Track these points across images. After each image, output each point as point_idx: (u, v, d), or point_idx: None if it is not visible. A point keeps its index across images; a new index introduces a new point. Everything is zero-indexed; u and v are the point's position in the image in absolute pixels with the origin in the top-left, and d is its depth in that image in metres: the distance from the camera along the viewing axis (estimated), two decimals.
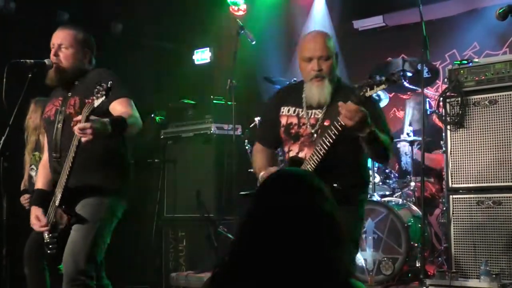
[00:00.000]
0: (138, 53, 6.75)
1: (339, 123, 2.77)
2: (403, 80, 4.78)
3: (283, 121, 3.11)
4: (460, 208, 4.15)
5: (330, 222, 1.50)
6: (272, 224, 1.47)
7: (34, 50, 3.57)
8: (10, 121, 3.21)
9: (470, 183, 4.13)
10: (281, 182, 1.56)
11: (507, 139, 4.00)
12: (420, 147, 5.06)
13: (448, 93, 4.26)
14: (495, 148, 4.03)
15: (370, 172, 5.03)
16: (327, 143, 2.83)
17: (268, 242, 1.45)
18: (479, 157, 4.09)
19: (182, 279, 5.32)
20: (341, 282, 1.47)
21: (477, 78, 4.13)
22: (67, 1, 6.06)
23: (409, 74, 4.94)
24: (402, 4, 6.45)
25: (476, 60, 4.31)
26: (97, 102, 2.84)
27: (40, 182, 3.35)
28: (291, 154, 3.07)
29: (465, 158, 4.15)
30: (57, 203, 3.09)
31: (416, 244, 4.54)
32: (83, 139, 2.82)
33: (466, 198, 4.14)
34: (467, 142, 4.14)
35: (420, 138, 5.00)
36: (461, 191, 4.17)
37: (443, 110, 4.24)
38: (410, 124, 5.69)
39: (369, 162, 4.87)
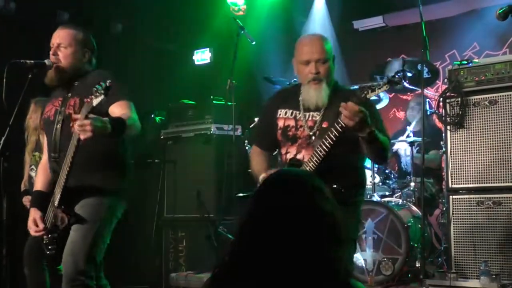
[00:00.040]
0: (138, 53, 6.76)
1: (340, 124, 2.79)
2: (403, 81, 4.80)
3: (280, 123, 3.14)
4: (460, 209, 4.15)
5: (331, 222, 1.50)
6: (272, 224, 1.47)
7: (34, 50, 3.57)
8: (10, 121, 3.21)
9: (470, 183, 4.13)
10: (282, 182, 1.56)
11: (507, 140, 4.00)
12: (420, 147, 5.07)
13: (448, 94, 4.26)
14: (495, 149, 4.03)
15: (370, 172, 5.04)
16: (327, 144, 2.85)
17: (268, 242, 1.45)
18: (479, 157, 4.09)
19: (182, 279, 5.32)
20: (341, 282, 1.47)
21: (477, 79, 4.13)
22: (67, 1, 6.06)
23: (409, 74, 4.95)
24: (402, 4, 6.46)
25: (476, 60, 4.31)
26: (95, 101, 2.83)
27: (39, 184, 3.34)
28: (289, 156, 3.09)
29: (465, 158, 4.15)
30: (56, 203, 3.09)
31: (416, 245, 4.55)
32: (82, 137, 2.81)
33: (466, 198, 4.14)
34: (467, 143, 4.15)
35: (420, 139, 5.01)
36: (461, 191, 4.18)
37: (443, 111, 4.24)
38: (409, 124, 5.69)
39: (369, 163, 4.90)
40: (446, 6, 6.52)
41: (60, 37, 3.25)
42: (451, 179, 4.20)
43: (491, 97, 4.08)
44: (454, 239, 4.14)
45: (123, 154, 3.29)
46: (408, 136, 5.37)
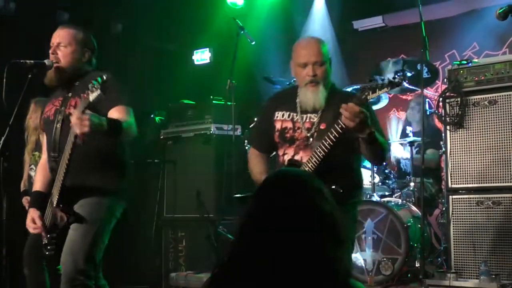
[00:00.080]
0: (138, 53, 6.76)
1: (340, 125, 2.80)
2: (404, 82, 4.80)
3: (278, 125, 3.16)
4: (459, 209, 4.15)
5: (330, 222, 1.50)
6: (272, 224, 1.47)
7: (34, 50, 3.57)
8: (10, 121, 3.21)
9: (470, 183, 4.13)
10: (281, 182, 1.56)
11: (506, 140, 4.00)
12: (419, 148, 5.07)
13: (447, 94, 4.26)
14: (495, 149, 4.03)
15: (370, 172, 5.05)
16: (327, 145, 2.87)
17: (268, 242, 1.45)
18: (479, 157, 4.09)
19: (181, 279, 5.31)
20: (340, 282, 1.47)
21: (476, 79, 4.13)
22: (67, 1, 6.06)
23: (408, 74, 4.95)
24: (402, 4, 6.46)
25: (476, 60, 4.31)
26: (92, 97, 2.83)
27: (38, 184, 3.34)
28: (286, 157, 3.11)
29: (464, 158, 4.15)
30: (54, 203, 3.09)
31: (415, 245, 4.55)
32: (78, 131, 2.82)
33: (466, 198, 4.14)
34: (466, 143, 4.15)
35: (419, 139, 5.01)
36: (460, 191, 4.18)
37: (443, 111, 4.24)
38: (410, 124, 5.70)
39: (369, 163, 4.90)
40: (445, 6, 6.52)
41: (60, 37, 3.25)
42: (451, 179, 4.20)
43: (490, 97, 4.08)
44: (454, 239, 4.14)
45: (122, 154, 3.29)
46: (408, 136, 5.37)
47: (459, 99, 4.16)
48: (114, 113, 3.08)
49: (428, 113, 5.33)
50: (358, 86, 5.10)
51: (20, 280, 3.42)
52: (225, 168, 5.49)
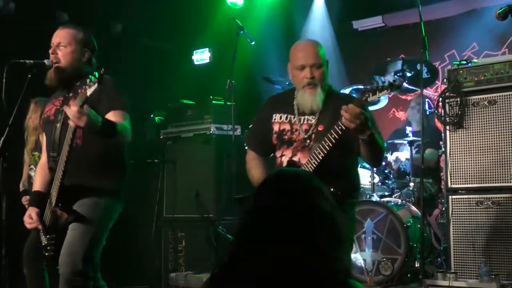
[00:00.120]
0: (137, 53, 6.76)
1: (340, 127, 2.81)
2: (404, 82, 4.80)
3: (276, 128, 3.17)
4: (459, 209, 4.15)
5: (330, 222, 1.50)
6: (271, 224, 1.47)
7: (34, 50, 3.57)
8: (10, 121, 3.21)
9: (469, 183, 4.13)
10: (281, 182, 1.56)
11: (506, 140, 4.00)
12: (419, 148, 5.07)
13: (447, 94, 4.26)
14: (495, 149, 4.03)
15: (369, 172, 5.04)
16: (327, 146, 2.88)
17: (267, 242, 1.45)
18: (478, 157, 4.09)
19: (181, 279, 5.31)
20: (340, 282, 1.47)
21: (476, 79, 4.13)
22: (67, 1, 6.06)
23: (408, 74, 4.95)
24: (402, 4, 6.46)
25: (475, 60, 4.31)
26: (89, 91, 2.84)
27: (37, 184, 3.34)
28: (284, 158, 3.12)
29: (464, 158, 4.15)
30: (53, 202, 3.09)
31: (415, 245, 4.54)
32: (73, 124, 2.85)
33: (465, 198, 4.14)
34: (466, 143, 4.15)
35: (419, 139, 5.00)
36: (460, 191, 4.18)
37: (443, 111, 4.24)
38: (409, 124, 5.69)
39: (367, 165, 4.90)
40: (445, 6, 6.52)
41: (60, 36, 3.26)
42: (451, 179, 4.20)
43: (490, 97, 4.08)
44: (454, 239, 4.14)
45: (121, 155, 3.30)
46: (407, 136, 5.37)
47: (458, 99, 4.16)
48: (110, 117, 3.10)
49: (428, 113, 5.33)
50: (358, 86, 5.11)
51: (20, 280, 3.42)
52: (225, 168, 5.49)
